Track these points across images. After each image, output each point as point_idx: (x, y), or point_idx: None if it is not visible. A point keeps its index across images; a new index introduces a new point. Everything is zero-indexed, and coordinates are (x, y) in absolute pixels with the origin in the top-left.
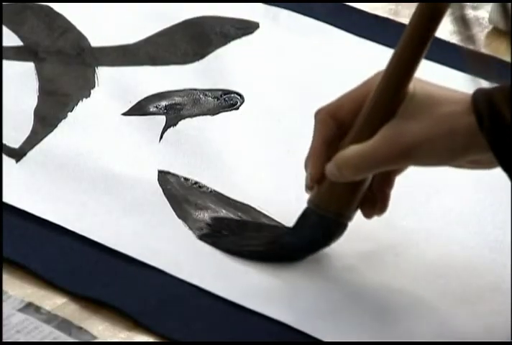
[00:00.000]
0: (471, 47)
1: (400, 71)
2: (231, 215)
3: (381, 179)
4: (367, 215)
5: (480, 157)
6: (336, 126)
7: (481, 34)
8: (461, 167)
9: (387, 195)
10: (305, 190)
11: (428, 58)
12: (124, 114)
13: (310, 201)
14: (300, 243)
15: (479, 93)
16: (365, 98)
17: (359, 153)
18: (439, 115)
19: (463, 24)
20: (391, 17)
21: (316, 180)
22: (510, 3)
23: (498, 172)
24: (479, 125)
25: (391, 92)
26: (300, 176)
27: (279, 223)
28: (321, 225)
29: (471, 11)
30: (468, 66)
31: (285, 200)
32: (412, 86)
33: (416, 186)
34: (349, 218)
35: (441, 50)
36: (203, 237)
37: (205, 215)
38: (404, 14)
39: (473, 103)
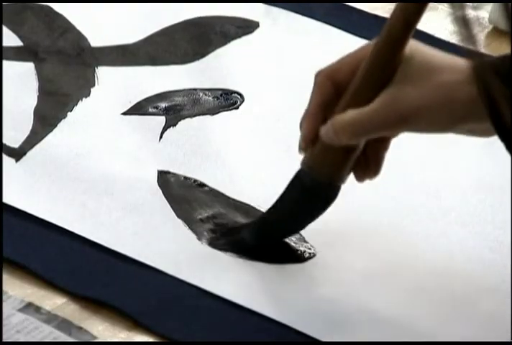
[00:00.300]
0: (471, 47)
1: (396, 33)
2: (232, 215)
3: (376, 142)
4: (360, 178)
5: (477, 126)
6: (334, 89)
7: (481, 34)
8: (455, 134)
9: (381, 158)
10: (298, 151)
11: None
12: (124, 114)
13: (303, 163)
14: (293, 207)
15: (480, 63)
16: (363, 59)
17: (357, 118)
18: (439, 82)
19: (463, 24)
20: None
21: (310, 141)
22: (510, 3)
23: (498, 172)
24: (481, 94)
25: (387, 56)
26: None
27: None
28: (313, 187)
29: (471, 11)
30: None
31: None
32: (409, 50)
33: (416, 186)
34: (342, 180)
35: (441, 50)
36: (212, 244)
37: (205, 215)
38: None
39: (475, 71)
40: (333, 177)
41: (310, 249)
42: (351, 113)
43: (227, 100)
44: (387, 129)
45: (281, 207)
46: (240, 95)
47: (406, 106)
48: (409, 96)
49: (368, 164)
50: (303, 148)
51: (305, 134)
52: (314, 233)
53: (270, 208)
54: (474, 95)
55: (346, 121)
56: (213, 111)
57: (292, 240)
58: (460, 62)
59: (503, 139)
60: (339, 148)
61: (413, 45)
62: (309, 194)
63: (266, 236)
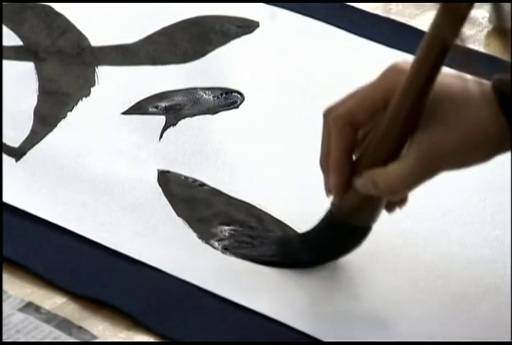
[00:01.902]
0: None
1: (422, 79)
2: (233, 214)
3: None
4: (390, 210)
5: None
6: (354, 132)
7: (481, 34)
8: None
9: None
10: (325, 194)
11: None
12: (124, 113)
13: (336, 207)
14: (321, 248)
15: (501, 89)
16: (383, 99)
17: (397, 173)
18: (467, 121)
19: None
20: (391, 17)
21: (343, 190)
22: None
23: (498, 172)
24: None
25: (414, 101)
26: (300, 174)
27: (279, 221)
28: (347, 231)
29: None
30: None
31: (285, 198)
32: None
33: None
34: (374, 220)
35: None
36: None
37: (206, 215)
38: (404, 14)
39: (499, 101)
40: (369, 221)
41: None
42: (390, 169)
43: (227, 99)
44: (427, 179)
45: (317, 247)
46: (240, 94)
47: (443, 153)
48: (443, 141)
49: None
50: (334, 197)
51: (336, 184)
52: None
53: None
54: (505, 127)
55: (387, 179)
56: (213, 111)
57: None
58: (477, 87)
59: None
60: (372, 200)
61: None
62: (343, 236)
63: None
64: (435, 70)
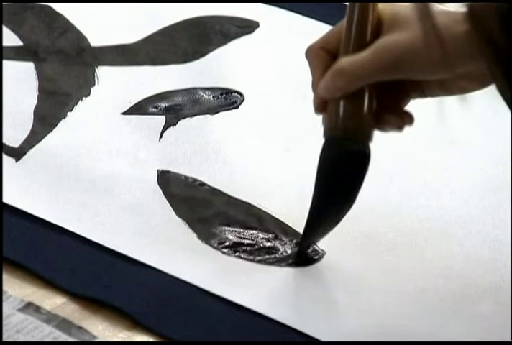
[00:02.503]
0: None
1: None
2: (233, 214)
3: (391, 109)
4: (398, 126)
5: (470, 67)
6: (328, 56)
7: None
8: (454, 92)
9: (401, 110)
10: (314, 112)
11: None
12: (124, 114)
13: (324, 133)
14: (333, 177)
15: (475, 5)
16: None
17: (350, 61)
18: (429, 24)
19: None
20: None
21: (322, 107)
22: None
23: (498, 172)
24: (476, 29)
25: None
26: (300, 174)
27: (279, 221)
28: (343, 146)
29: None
30: None
31: (285, 198)
32: (391, 6)
33: (416, 186)
34: (366, 134)
35: None
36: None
37: (206, 215)
38: None
39: (470, 12)
40: (355, 132)
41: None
42: (344, 59)
43: (227, 99)
44: (381, 73)
45: (326, 180)
46: (240, 94)
47: (398, 48)
48: (400, 40)
49: (397, 116)
50: (317, 109)
51: (315, 101)
52: None
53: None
54: (467, 33)
55: (340, 66)
56: (213, 111)
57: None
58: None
59: (498, 77)
60: (347, 101)
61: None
62: (341, 154)
63: (320, 225)
64: None
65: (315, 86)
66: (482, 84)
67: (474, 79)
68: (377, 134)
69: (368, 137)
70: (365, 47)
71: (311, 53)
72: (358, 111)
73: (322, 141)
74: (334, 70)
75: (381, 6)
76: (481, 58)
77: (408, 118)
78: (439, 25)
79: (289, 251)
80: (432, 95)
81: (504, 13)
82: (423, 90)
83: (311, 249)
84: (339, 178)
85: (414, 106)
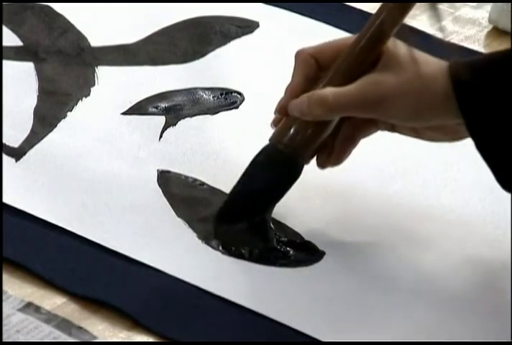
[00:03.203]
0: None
1: (384, 27)
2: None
3: (346, 135)
4: (321, 163)
5: (445, 122)
6: (316, 66)
7: (481, 34)
8: (420, 137)
9: (346, 151)
10: (270, 125)
11: None
12: (124, 114)
13: (271, 138)
14: (257, 178)
15: (457, 62)
16: (347, 45)
17: (335, 93)
18: (418, 73)
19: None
20: None
21: (283, 112)
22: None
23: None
24: (454, 89)
25: (372, 44)
26: (301, 175)
27: (279, 221)
28: (275, 158)
29: (471, 11)
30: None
31: (285, 198)
32: (394, 43)
33: (416, 187)
34: (305, 158)
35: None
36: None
37: (206, 215)
38: None
39: (450, 68)
40: (295, 150)
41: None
42: (330, 89)
43: (227, 99)
44: (360, 110)
45: (246, 179)
46: (240, 94)
47: (383, 89)
48: (388, 82)
49: (332, 152)
50: (274, 122)
51: (282, 104)
52: (315, 234)
53: (237, 183)
54: (448, 89)
55: (324, 96)
56: (213, 111)
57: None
58: (440, 61)
59: (473, 135)
60: (307, 124)
61: (398, 43)
62: (270, 164)
63: (235, 213)
64: (394, 20)
65: (289, 88)
66: (454, 138)
67: (446, 132)
68: (378, 134)
69: (305, 160)
70: (356, 78)
71: (300, 57)
72: (308, 138)
73: None
74: (317, 98)
75: (394, 43)
76: (457, 115)
77: (335, 160)
78: (423, 75)
79: (289, 252)
80: (401, 133)
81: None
82: (394, 127)
83: (311, 250)
84: (259, 183)
85: None
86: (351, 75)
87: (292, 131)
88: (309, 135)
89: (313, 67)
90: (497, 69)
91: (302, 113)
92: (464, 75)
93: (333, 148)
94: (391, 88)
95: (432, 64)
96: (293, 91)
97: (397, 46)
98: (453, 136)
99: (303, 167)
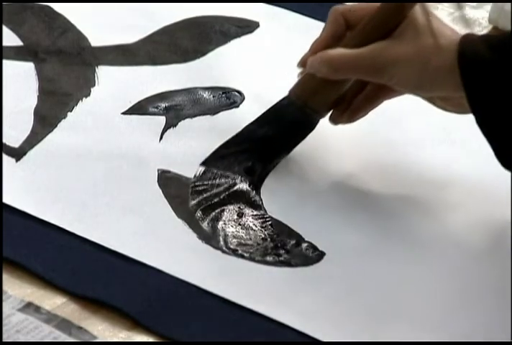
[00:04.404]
0: None
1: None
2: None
3: (369, 95)
4: (334, 118)
5: (448, 94)
6: (345, 26)
7: (481, 33)
8: (432, 103)
9: (364, 110)
10: (296, 65)
11: None
12: (124, 113)
13: (289, 91)
14: (264, 123)
15: (470, 36)
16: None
17: (343, 55)
18: (424, 44)
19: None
20: None
21: (304, 65)
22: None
23: (498, 173)
24: (458, 63)
25: (392, 14)
26: (300, 174)
27: (279, 221)
28: (286, 107)
29: (471, 11)
30: None
31: (285, 198)
32: (416, 14)
33: (416, 187)
34: (319, 111)
35: None
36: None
37: (207, 216)
38: None
39: (461, 42)
40: (306, 103)
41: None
42: (340, 50)
43: (228, 99)
44: (364, 73)
45: (255, 124)
46: (240, 93)
47: (390, 56)
48: (396, 49)
49: (348, 110)
50: (299, 64)
51: (304, 57)
52: (315, 234)
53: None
54: (454, 63)
55: (333, 55)
56: (213, 111)
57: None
58: (459, 35)
59: (474, 111)
60: (321, 80)
61: (423, 11)
62: (281, 113)
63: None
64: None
65: (314, 44)
66: (460, 111)
67: (453, 104)
68: (378, 134)
69: (319, 113)
70: (372, 42)
71: (332, 14)
72: (321, 92)
73: (321, 139)
74: (325, 57)
75: (416, 13)
76: (460, 89)
77: (349, 118)
78: (433, 46)
79: (289, 252)
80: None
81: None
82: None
83: (311, 249)
84: (266, 129)
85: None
86: (368, 39)
87: (306, 84)
88: (321, 90)
89: (341, 26)
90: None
91: (313, 69)
92: (474, 50)
93: (351, 105)
94: (398, 55)
95: (446, 36)
96: (317, 47)
97: (417, 16)
98: (459, 109)
99: (315, 119)
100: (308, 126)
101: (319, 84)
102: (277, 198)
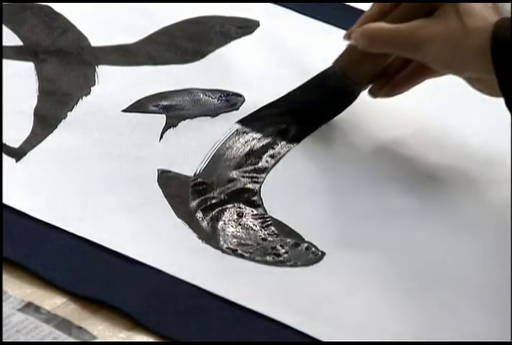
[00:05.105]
0: None
1: None
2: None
3: (413, 71)
4: (374, 91)
5: (480, 76)
6: (393, 3)
7: None
8: (471, 85)
9: (405, 86)
10: (342, 37)
11: None
12: (124, 111)
13: (334, 61)
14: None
15: (505, 20)
16: None
17: (382, 28)
18: (463, 24)
19: None
20: None
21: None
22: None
23: (498, 173)
24: (491, 45)
25: None
26: (300, 175)
27: (279, 221)
28: (327, 77)
29: None
30: None
31: (285, 198)
32: None
33: (416, 187)
34: (360, 83)
35: None
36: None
37: (207, 216)
38: None
39: (495, 26)
40: (346, 74)
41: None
42: (380, 24)
43: (228, 101)
44: (400, 48)
45: (296, 91)
46: (240, 96)
47: (424, 34)
48: (431, 28)
49: (387, 84)
50: (344, 37)
51: (350, 30)
52: (315, 234)
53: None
54: (486, 46)
55: (372, 29)
56: (213, 113)
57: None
58: (494, 18)
59: (504, 93)
60: (362, 52)
61: None
62: (320, 81)
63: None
64: None
65: (362, 17)
66: (493, 93)
67: (486, 86)
68: (378, 133)
69: (360, 85)
70: (412, 20)
71: None
72: (361, 64)
73: (321, 141)
74: (365, 30)
75: None
76: (492, 72)
77: (389, 91)
78: (468, 28)
79: (289, 252)
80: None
81: None
82: None
83: (311, 249)
84: (305, 95)
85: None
86: (410, 16)
87: (348, 55)
88: (362, 62)
89: (389, 3)
90: None
91: (355, 41)
92: (506, 34)
93: (392, 80)
94: (433, 34)
95: (484, 19)
96: (363, 20)
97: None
98: (492, 92)
99: (354, 91)
100: (347, 96)
101: (360, 56)
102: (277, 198)
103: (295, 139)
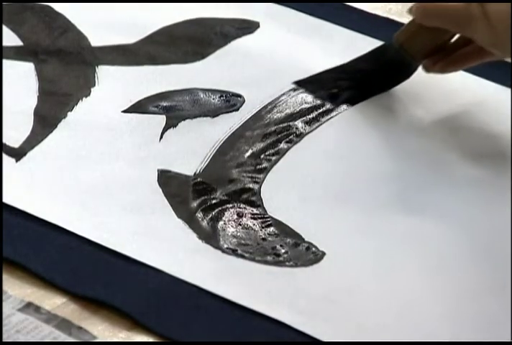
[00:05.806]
0: None
1: None
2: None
3: (472, 50)
4: (428, 65)
5: None
6: None
7: None
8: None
9: (462, 63)
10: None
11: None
12: (124, 111)
13: (395, 36)
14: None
15: None
16: None
17: (437, 4)
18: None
19: None
20: (391, 17)
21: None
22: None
23: (498, 173)
24: None
25: None
26: (300, 175)
27: (279, 221)
28: (384, 49)
29: None
30: None
31: (285, 199)
32: None
33: (416, 188)
34: (414, 57)
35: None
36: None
37: (207, 216)
38: (404, 14)
39: None
40: (404, 45)
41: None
42: (433, 3)
43: (228, 101)
44: (450, 23)
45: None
46: (240, 96)
47: (475, 12)
48: (483, 7)
49: (443, 59)
50: (407, 11)
51: (412, 5)
52: (315, 234)
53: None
54: None
55: (425, 4)
56: (213, 113)
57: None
58: None
59: None
60: (419, 26)
61: None
62: (377, 53)
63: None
64: None
65: None
66: None
67: None
68: (379, 134)
69: (416, 59)
70: None
71: None
72: (417, 38)
73: (321, 144)
74: (422, 4)
75: None
76: None
77: (443, 67)
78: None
79: (289, 252)
80: None
81: None
82: None
83: (311, 249)
84: (369, 62)
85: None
86: None
87: (406, 29)
88: (417, 35)
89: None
90: None
91: (412, 14)
92: None
93: (449, 55)
94: (481, 13)
95: None
96: None
97: None
98: None
99: (410, 64)
100: (403, 69)
101: (417, 29)
102: (277, 198)
103: (346, 103)
